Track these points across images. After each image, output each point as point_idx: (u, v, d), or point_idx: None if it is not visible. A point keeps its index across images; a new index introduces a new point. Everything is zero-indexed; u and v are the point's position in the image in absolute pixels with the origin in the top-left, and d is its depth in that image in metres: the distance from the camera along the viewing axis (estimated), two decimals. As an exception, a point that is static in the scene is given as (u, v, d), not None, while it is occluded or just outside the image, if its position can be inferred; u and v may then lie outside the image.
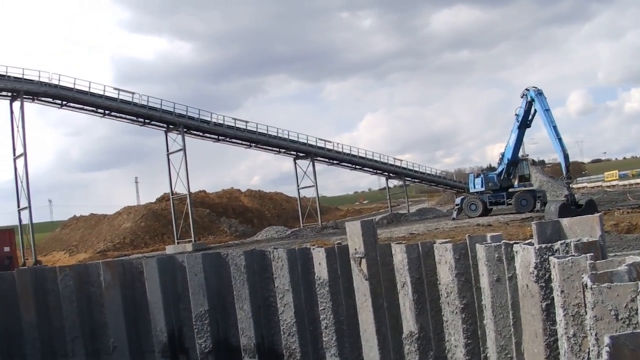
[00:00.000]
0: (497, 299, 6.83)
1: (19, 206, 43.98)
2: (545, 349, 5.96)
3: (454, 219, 48.45)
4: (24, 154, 43.12)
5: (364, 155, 67.93)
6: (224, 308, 13.00)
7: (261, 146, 60.52)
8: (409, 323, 8.26)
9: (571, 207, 32.94)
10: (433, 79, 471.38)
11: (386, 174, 72.63)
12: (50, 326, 16.78)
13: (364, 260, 8.71)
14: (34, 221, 43.48)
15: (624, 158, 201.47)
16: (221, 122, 56.07)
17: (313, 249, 10.41)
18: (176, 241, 53.24)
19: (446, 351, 7.97)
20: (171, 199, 55.30)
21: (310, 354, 10.55)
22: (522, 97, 43.20)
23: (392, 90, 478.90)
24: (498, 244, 6.80)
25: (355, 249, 8.88)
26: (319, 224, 61.20)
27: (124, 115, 51.82)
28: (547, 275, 5.87)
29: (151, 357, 15.73)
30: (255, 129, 57.88)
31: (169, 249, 50.73)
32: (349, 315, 9.34)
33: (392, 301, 8.55)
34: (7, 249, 38.78)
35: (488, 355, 7.25)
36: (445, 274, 7.69)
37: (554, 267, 5.51)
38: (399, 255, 8.35)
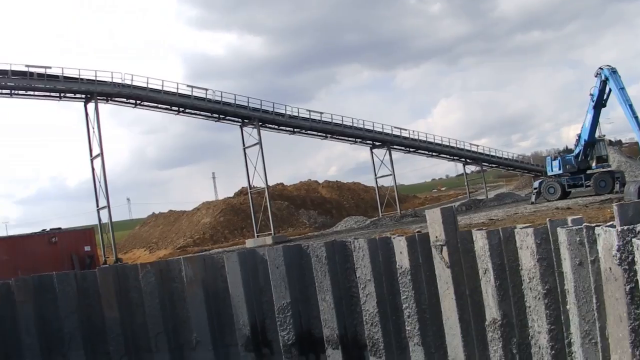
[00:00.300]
0: (579, 283, 6.91)
1: (98, 206, 45.36)
2: (630, 333, 6.02)
3: (532, 203, 48.16)
4: (101, 154, 44.41)
5: (440, 142, 67.91)
6: (306, 300, 13.27)
7: (337, 137, 60.91)
8: (491, 310, 8.38)
9: None
10: (505, 61, 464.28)
11: (463, 160, 72.39)
12: (133, 322, 17.40)
13: (445, 248, 8.86)
14: (113, 220, 44.61)
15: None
16: (296, 114, 56.67)
17: (393, 238, 10.58)
18: (256, 234, 54.06)
19: (529, 337, 8.07)
20: (249, 193, 56.14)
21: (393, 343, 10.74)
22: (596, 77, 42.72)
23: (465, 75, 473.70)
24: (579, 227, 6.87)
25: (436, 237, 9.05)
26: (398, 212, 61.47)
27: (198, 112, 52.81)
28: (630, 258, 5.93)
29: (234, 351, 16.16)
30: (330, 120, 58.33)
31: (249, 243, 51.54)
32: (431, 304, 9.51)
33: (474, 288, 8.69)
34: (87, 248, 40.19)
35: (572, 340, 7.34)
36: (527, 259, 7.79)
37: (637, 249, 5.60)
38: (480, 242, 8.48)
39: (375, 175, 63.96)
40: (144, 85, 48.44)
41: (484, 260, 8.39)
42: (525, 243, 7.80)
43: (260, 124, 53.50)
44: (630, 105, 38.10)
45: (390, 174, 63.71)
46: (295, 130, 58.24)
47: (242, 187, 72.94)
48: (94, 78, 45.85)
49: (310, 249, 13.00)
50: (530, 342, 8.07)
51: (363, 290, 11.69)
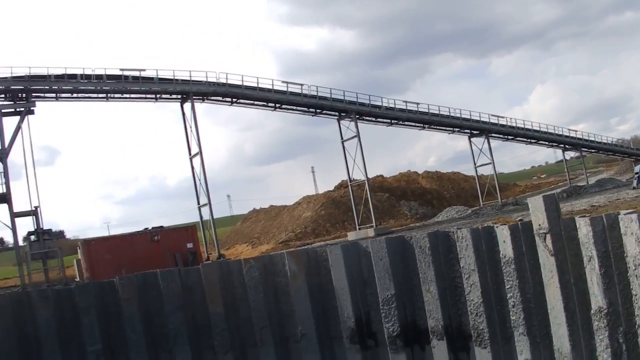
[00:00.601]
0: (685, 270, 6.96)
1: (199, 203, 46.67)
2: None
3: (634, 187, 47.15)
4: (200, 152, 45.60)
5: (537, 129, 66.85)
6: (410, 291, 13.54)
7: (434, 127, 60.96)
8: (597, 298, 8.47)
9: None
10: (599, 44, 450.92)
11: (562, 146, 71.25)
12: (237, 317, 17.99)
13: (548, 236, 8.98)
14: (214, 216, 45.74)
15: None
16: (392, 105, 56.86)
17: (496, 227, 10.73)
18: (357, 227, 54.53)
19: (636, 326, 8.14)
20: (349, 186, 56.66)
21: (498, 333, 10.90)
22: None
23: (559, 60, 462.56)
24: (684, 212, 6.93)
25: (539, 225, 9.17)
26: (499, 201, 61.14)
27: (294, 107, 53.60)
28: None
29: (339, 344, 16.56)
30: (427, 110, 58.30)
31: (351, 236, 52.07)
32: (536, 293, 9.64)
33: (578, 276, 8.80)
34: (190, 245, 41.40)
35: (680, 328, 7.37)
36: (632, 246, 7.87)
37: None
38: (584, 229, 8.57)
39: (475, 164, 63.67)
40: (239, 83, 49.31)
41: (588, 247, 8.49)
42: (630, 229, 7.88)
43: (357, 116, 53.90)
44: None
45: (490, 163, 63.36)
46: (393, 121, 58.53)
47: (342, 180, 73.60)
48: (188, 78, 47.00)
49: (413, 240, 13.26)
50: (637, 331, 8.14)
51: (467, 280, 11.89)
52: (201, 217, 48.63)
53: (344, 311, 15.90)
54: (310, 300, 16.47)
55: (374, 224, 53.19)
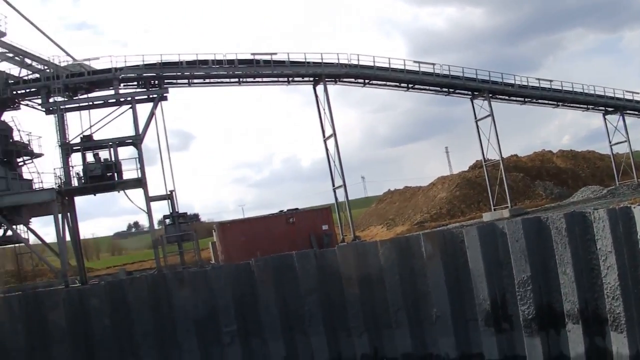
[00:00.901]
0: None
1: (333, 185, 46.98)
2: None
3: None
4: (334, 134, 45.87)
5: (676, 104, 63.81)
6: (546, 273, 13.57)
7: (568, 104, 59.22)
8: None
9: None
10: None
11: (702, 121, 67.63)
12: (373, 299, 18.35)
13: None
14: (349, 198, 46.14)
15: None
16: (525, 83, 55.70)
17: (634, 207, 10.62)
18: (492, 208, 53.92)
19: None
20: (484, 166, 56.00)
21: (635, 318, 10.81)
22: None
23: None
24: None
25: (679, 206, 9.08)
26: (635, 180, 58.98)
27: (427, 87, 53.09)
28: None
29: (474, 326, 16.69)
30: (560, 88, 56.79)
31: (486, 217, 51.54)
32: (676, 276, 9.53)
33: None
34: (325, 227, 41.96)
35: None
36: None
37: None
38: None
39: (610, 142, 61.76)
40: (371, 64, 49.40)
41: None
42: None
43: (490, 95, 53.16)
44: None
45: (625, 141, 61.19)
46: (526, 100, 57.39)
47: (477, 160, 72.73)
48: (320, 61, 47.40)
49: (549, 221, 13.27)
50: None
51: (604, 262, 11.85)
52: (336, 198, 49.07)
53: (479, 293, 16.03)
54: (446, 282, 16.66)
55: (509, 205, 52.50)
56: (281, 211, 44.64)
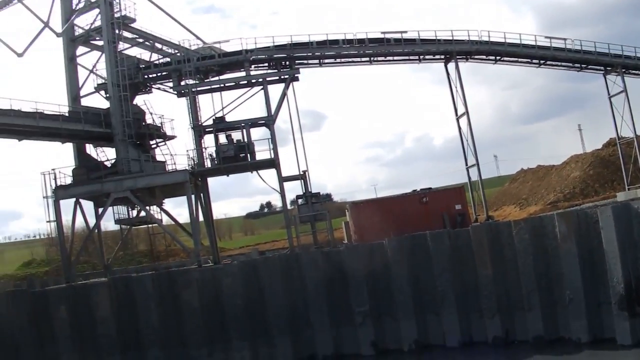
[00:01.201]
0: None
1: (466, 164, 46.85)
2: None
3: None
4: (466, 112, 45.75)
5: None
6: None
7: (700, 79, 56.81)
8: None
9: None
10: None
11: None
12: (505, 280, 18.40)
13: None
14: (482, 177, 45.84)
15: None
16: (661, 57, 53.67)
17: None
18: (627, 187, 52.47)
19: None
20: (618, 144, 54.63)
21: None
22: None
23: None
24: None
25: None
26: None
27: (558, 63, 52.13)
28: None
29: (607, 309, 16.50)
30: (703, 58, 54.48)
31: (620, 196, 50.28)
32: None
33: None
34: (458, 206, 41.94)
35: None
36: None
37: None
38: None
39: None
40: (502, 40, 48.88)
41: None
42: None
43: (623, 70, 51.62)
44: None
45: None
46: (663, 74, 55.50)
47: (610, 138, 70.77)
48: (450, 38, 47.22)
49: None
50: None
51: None
52: (469, 177, 48.87)
53: (613, 275, 15.83)
54: (580, 263, 16.54)
55: (644, 185, 51.08)
56: (414, 190, 44.91)
